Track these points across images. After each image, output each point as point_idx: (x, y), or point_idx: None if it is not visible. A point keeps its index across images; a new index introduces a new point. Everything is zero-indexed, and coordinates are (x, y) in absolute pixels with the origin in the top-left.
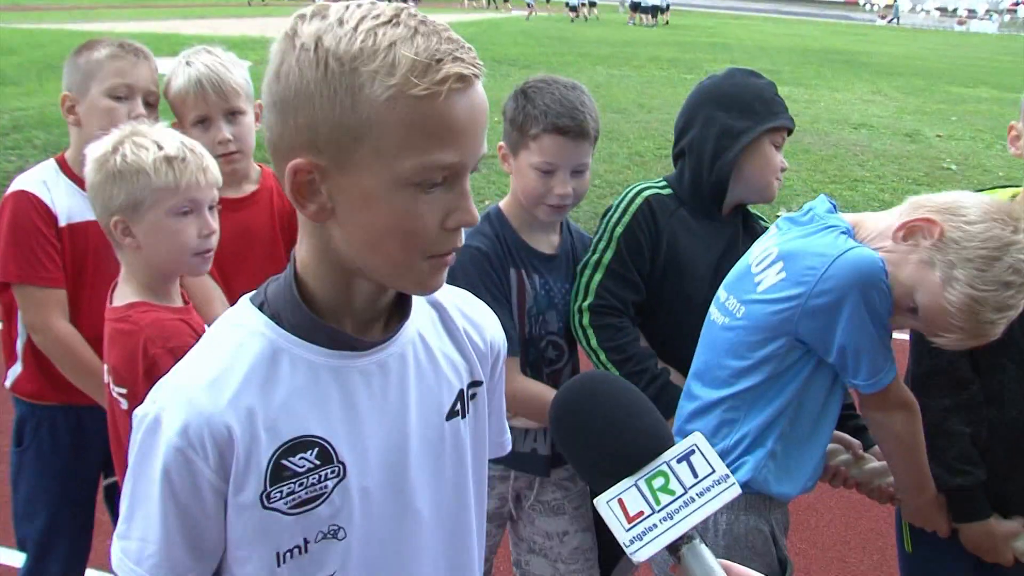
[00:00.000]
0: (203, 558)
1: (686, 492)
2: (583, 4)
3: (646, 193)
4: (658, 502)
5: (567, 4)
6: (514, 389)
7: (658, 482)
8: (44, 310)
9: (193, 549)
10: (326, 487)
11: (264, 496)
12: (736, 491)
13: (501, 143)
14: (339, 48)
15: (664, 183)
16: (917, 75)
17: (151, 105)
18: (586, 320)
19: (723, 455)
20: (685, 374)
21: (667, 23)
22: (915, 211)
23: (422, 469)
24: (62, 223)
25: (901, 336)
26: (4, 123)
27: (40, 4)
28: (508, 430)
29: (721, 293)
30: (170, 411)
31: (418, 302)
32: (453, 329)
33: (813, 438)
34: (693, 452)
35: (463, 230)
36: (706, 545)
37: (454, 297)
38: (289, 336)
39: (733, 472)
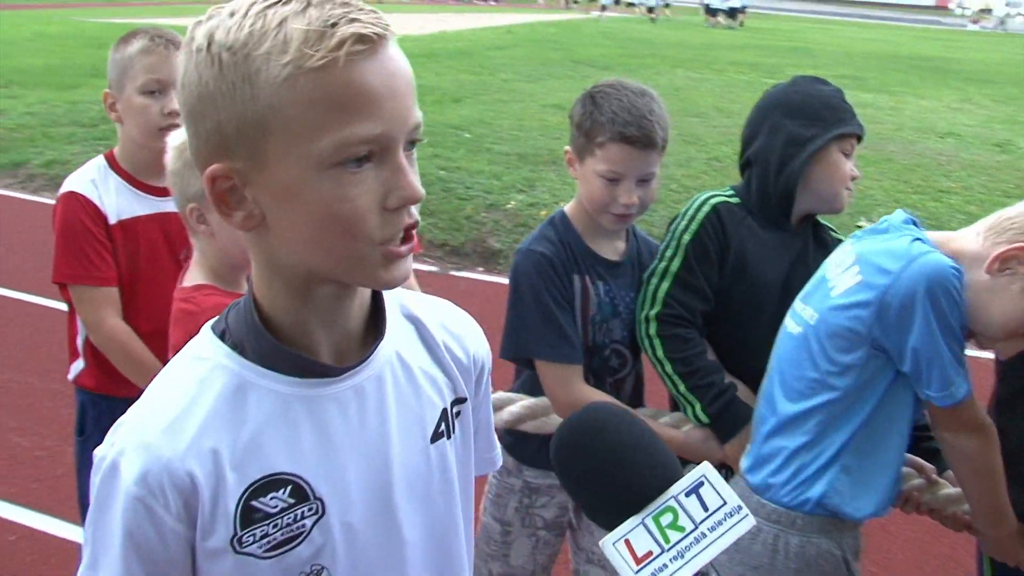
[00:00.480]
0: None
1: (696, 528)
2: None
3: (714, 201)
4: (667, 540)
5: (647, 7)
6: (577, 399)
7: (666, 519)
8: (97, 308)
9: None
10: (304, 526)
11: (235, 541)
12: (751, 522)
13: (568, 147)
14: (229, 38)
15: (732, 192)
16: (1010, 82)
17: None
18: (653, 330)
19: (800, 471)
20: (750, 385)
21: (742, 24)
22: (1000, 236)
23: (409, 497)
24: (112, 221)
25: (981, 355)
26: (93, 114)
27: (130, 1)
28: (497, 445)
29: (797, 304)
30: (128, 456)
31: (395, 318)
32: (433, 344)
33: (889, 456)
34: (702, 484)
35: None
36: None
37: (433, 309)
38: (254, 367)
39: (806, 489)
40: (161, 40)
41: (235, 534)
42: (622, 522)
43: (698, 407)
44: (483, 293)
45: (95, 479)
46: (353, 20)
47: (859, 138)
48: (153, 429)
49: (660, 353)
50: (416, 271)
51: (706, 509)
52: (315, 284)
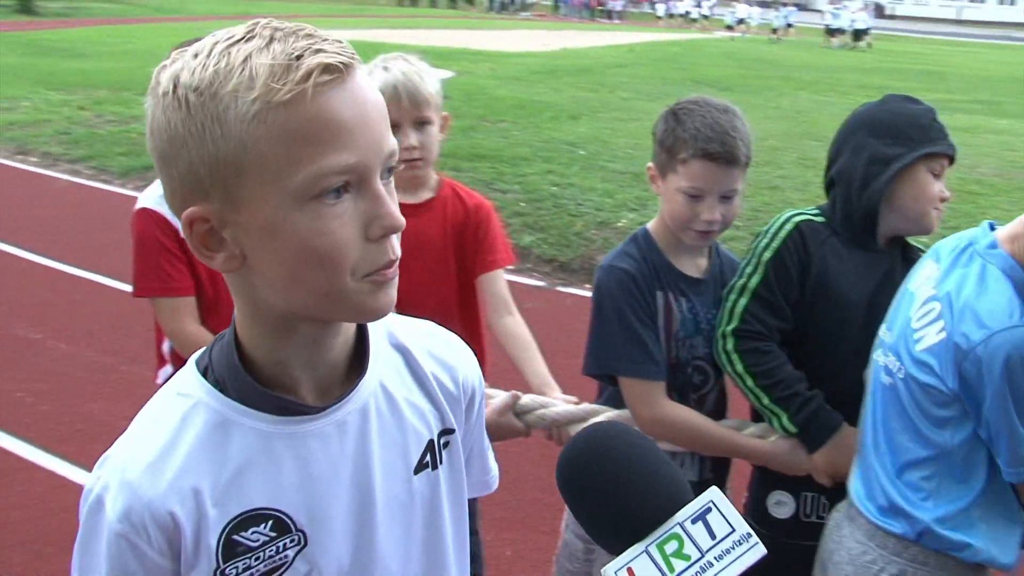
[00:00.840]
0: None
1: (703, 556)
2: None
3: (797, 219)
4: (672, 569)
5: (771, 28)
6: (660, 415)
7: (671, 546)
8: (177, 317)
9: None
10: (286, 556)
11: (218, 573)
12: (760, 551)
13: (650, 164)
14: (194, 79)
15: (817, 211)
16: None
17: None
18: (731, 345)
19: (944, 518)
20: (833, 403)
21: (870, 45)
22: None
23: (391, 526)
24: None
25: None
26: None
27: (265, 12)
28: (494, 468)
29: (887, 351)
30: (112, 493)
31: (381, 348)
32: (421, 375)
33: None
34: (710, 510)
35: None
36: None
37: (421, 337)
38: (235, 405)
39: (964, 547)
40: None
41: (218, 567)
42: (626, 549)
43: (784, 418)
44: (589, 310)
45: (83, 509)
46: (318, 51)
47: (951, 159)
48: (135, 468)
49: (740, 368)
50: (521, 285)
51: (713, 537)
52: (296, 323)
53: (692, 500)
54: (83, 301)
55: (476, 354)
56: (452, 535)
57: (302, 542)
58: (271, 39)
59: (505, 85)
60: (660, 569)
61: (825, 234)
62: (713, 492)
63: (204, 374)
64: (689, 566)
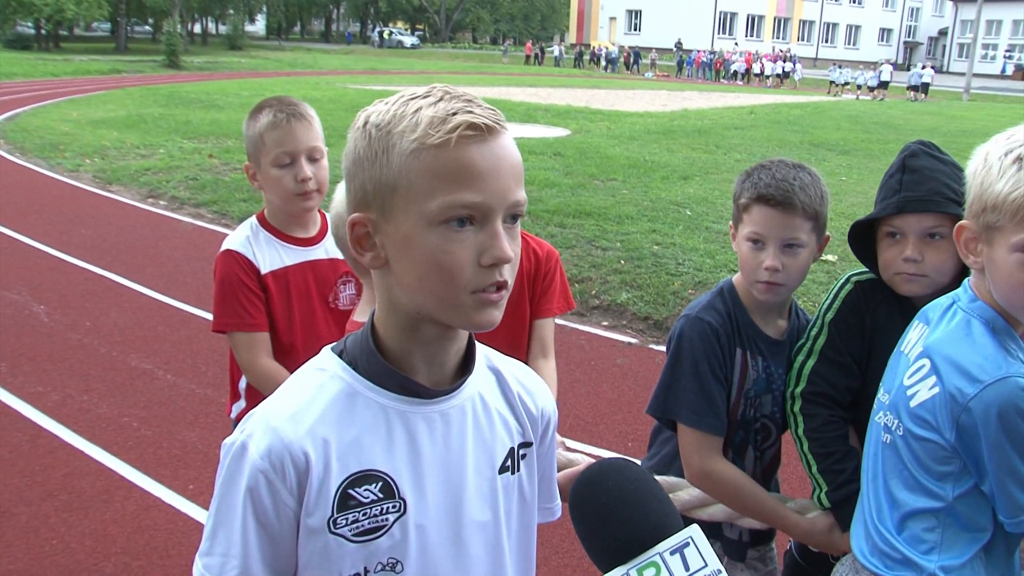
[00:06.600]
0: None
1: None
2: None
3: (855, 278)
4: None
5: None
6: (710, 469)
7: (649, 572)
8: (251, 351)
9: (269, 566)
10: (387, 520)
11: (331, 522)
12: None
13: (731, 222)
14: (378, 119)
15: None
16: None
17: (316, 160)
18: (797, 407)
19: (941, 573)
20: None
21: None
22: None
23: (477, 516)
24: (264, 271)
25: None
26: (338, 172)
27: (391, 69)
28: (558, 497)
29: (887, 410)
30: (256, 437)
31: (481, 367)
32: (508, 393)
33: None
34: (688, 545)
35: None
36: None
37: (512, 366)
38: (363, 380)
39: None
40: (283, 115)
41: (331, 515)
42: (611, 569)
43: (824, 490)
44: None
45: (224, 463)
46: (468, 112)
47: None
48: (279, 416)
49: (800, 431)
50: (614, 341)
51: (687, 569)
52: (422, 323)
53: (676, 534)
54: (193, 337)
55: None
56: (518, 542)
57: (402, 510)
58: (440, 98)
59: (620, 144)
60: None
61: (883, 291)
62: (693, 529)
63: (339, 356)
64: None
